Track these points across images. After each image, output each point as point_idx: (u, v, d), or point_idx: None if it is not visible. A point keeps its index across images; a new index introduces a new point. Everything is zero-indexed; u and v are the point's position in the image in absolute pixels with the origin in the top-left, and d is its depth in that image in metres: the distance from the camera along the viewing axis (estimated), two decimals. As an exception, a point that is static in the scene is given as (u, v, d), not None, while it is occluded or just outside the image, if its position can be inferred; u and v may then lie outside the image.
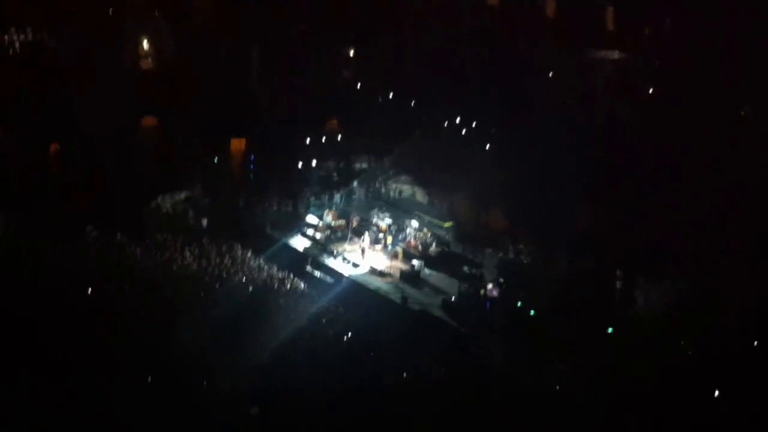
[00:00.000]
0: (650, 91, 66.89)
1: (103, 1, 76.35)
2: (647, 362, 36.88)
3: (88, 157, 57.66)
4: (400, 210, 57.00)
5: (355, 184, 59.81)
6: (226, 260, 48.38)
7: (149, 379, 33.42)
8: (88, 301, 40.71)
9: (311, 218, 54.53)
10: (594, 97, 64.52)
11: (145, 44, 76.22)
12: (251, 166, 60.27)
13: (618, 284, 44.52)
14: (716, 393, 35.21)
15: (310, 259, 49.89)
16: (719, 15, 65.97)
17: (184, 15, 76.66)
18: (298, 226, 53.91)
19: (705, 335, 39.15)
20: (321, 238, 52.23)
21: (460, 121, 63.48)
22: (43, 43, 72.86)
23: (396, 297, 45.25)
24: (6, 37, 72.60)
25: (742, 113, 61.70)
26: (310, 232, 53.22)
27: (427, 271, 48.49)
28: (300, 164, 58.20)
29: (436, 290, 46.42)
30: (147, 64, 76.06)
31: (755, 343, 38.98)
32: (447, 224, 54.18)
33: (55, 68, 67.43)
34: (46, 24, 72.80)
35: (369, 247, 50.79)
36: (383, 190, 60.53)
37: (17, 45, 73.06)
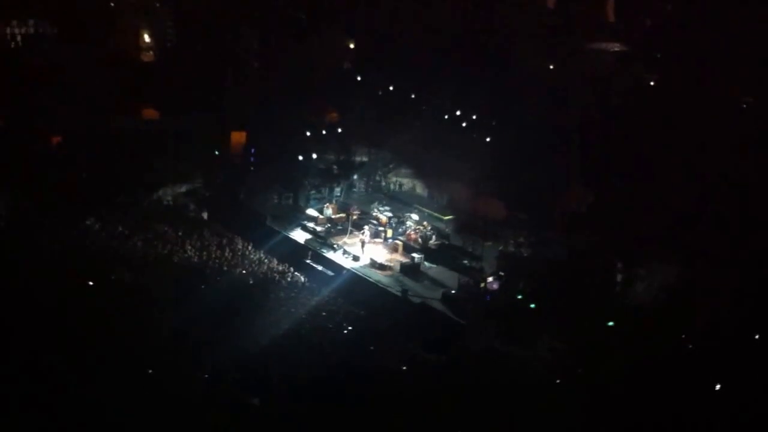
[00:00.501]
0: (651, 83, 66.73)
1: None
2: (644, 353, 36.97)
3: (88, 150, 57.70)
4: (400, 203, 57.16)
5: (355, 177, 59.91)
6: (227, 253, 48.55)
7: (147, 371, 33.57)
8: (88, 292, 40.91)
9: (311, 211, 54.70)
10: (593, 88, 64.26)
11: (146, 37, 76.26)
12: (252, 159, 60.23)
13: (618, 277, 44.52)
14: (717, 386, 35.27)
15: (310, 252, 49.95)
16: (719, 7, 65.85)
17: (185, 7, 76.50)
18: (299, 219, 54.02)
19: (704, 326, 39.16)
20: (321, 231, 52.27)
21: (461, 113, 63.29)
22: (45, 35, 72.91)
23: (396, 290, 45.29)
24: (8, 30, 72.71)
25: (744, 105, 61.58)
26: (310, 224, 53.32)
27: (426, 264, 48.53)
28: (300, 157, 58.15)
29: (436, 283, 46.36)
30: (148, 57, 76.11)
31: (756, 336, 39.02)
32: (447, 217, 54.24)
33: (55, 61, 67.33)
34: (46, 16, 72.89)
35: (369, 240, 50.83)
36: (383, 183, 60.65)
37: (19, 38, 73.19)
